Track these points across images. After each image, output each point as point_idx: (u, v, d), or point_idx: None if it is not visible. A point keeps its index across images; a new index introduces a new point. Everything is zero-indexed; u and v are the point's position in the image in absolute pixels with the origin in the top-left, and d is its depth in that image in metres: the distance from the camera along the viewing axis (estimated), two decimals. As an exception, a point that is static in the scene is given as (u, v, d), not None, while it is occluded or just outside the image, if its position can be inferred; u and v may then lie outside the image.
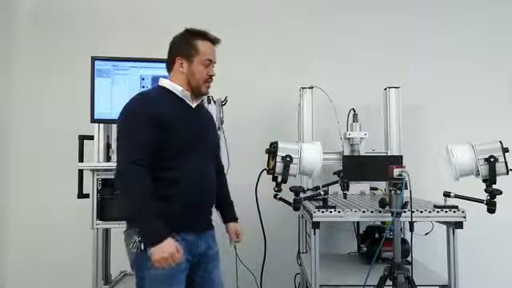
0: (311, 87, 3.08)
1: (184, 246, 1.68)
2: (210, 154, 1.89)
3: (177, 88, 1.80)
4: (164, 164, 1.71)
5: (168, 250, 1.57)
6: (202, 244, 1.80)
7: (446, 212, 2.18)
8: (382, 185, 2.98)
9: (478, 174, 2.16)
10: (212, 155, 1.92)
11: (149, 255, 1.59)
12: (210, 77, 1.84)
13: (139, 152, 1.64)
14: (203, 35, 1.83)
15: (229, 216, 2.04)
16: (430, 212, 2.19)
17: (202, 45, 1.81)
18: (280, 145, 2.25)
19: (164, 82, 1.84)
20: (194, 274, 1.81)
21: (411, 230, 1.98)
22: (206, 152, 1.85)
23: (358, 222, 2.93)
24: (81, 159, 2.55)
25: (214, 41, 1.86)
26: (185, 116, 1.79)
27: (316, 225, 2.18)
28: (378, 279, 2.00)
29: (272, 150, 2.24)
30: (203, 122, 1.90)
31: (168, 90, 1.81)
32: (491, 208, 2.10)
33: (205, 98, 1.96)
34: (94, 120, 2.52)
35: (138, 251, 1.65)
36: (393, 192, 1.98)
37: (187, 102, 1.83)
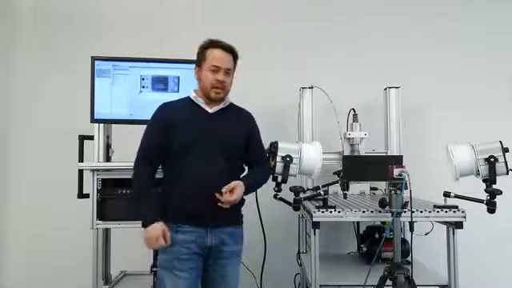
0: (311, 87, 3.07)
1: (189, 238, 1.84)
2: (221, 155, 1.90)
3: (193, 96, 1.98)
4: (169, 162, 1.91)
5: (151, 233, 1.78)
6: (211, 238, 1.88)
7: (446, 212, 2.18)
8: (382, 185, 2.98)
9: (478, 174, 2.16)
10: (225, 156, 1.91)
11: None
12: (217, 82, 1.90)
13: (145, 149, 1.92)
14: (213, 43, 1.93)
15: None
16: (430, 212, 2.19)
17: (210, 52, 1.92)
18: (280, 145, 2.26)
19: (190, 91, 2.02)
20: (207, 264, 1.92)
21: (411, 230, 1.98)
22: (215, 152, 1.88)
23: (358, 222, 2.93)
24: (81, 159, 2.55)
25: (224, 48, 1.93)
26: (195, 121, 1.92)
27: (316, 225, 2.18)
28: (378, 279, 2.00)
29: (272, 150, 2.24)
30: (219, 125, 1.93)
31: (190, 98, 1.99)
32: (491, 208, 2.10)
33: (226, 101, 1.99)
34: (93, 120, 2.53)
35: None
36: (393, 192, 1.98)
37: (203, 107, 1.95)
